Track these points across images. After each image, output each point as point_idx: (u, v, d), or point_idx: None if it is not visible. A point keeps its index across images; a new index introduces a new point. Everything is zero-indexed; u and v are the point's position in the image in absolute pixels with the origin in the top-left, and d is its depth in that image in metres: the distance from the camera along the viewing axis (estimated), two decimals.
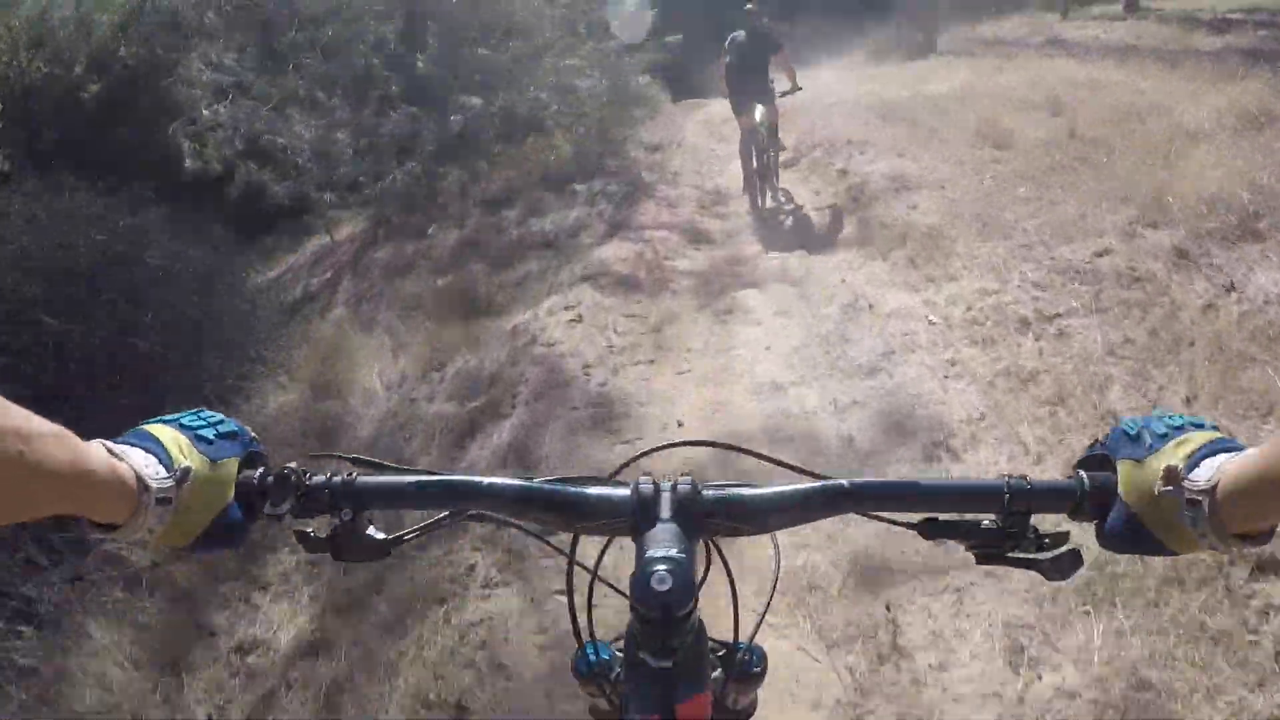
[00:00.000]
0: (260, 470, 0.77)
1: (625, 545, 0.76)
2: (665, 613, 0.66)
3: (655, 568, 0.66)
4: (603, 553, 0.85)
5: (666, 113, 12.86)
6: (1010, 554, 0.75)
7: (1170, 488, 0.65)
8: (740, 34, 7.17)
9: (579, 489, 0.78)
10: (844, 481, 0.78)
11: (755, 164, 7.22)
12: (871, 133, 8.40)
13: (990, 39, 17.01)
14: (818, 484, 0.78)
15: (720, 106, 14.52)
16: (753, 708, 0.96)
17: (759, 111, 7.04)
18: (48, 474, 0.55)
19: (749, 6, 7.23)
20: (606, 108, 9.61)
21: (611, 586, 0.81)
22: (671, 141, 11.18)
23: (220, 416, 0.77)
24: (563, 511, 0.78)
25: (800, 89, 7.41)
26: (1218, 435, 0.68)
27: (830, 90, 11.22)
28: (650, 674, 0.70)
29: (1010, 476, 0.75)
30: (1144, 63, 9.08)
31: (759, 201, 7.39)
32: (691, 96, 14.50)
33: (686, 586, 0.67)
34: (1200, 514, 0.63)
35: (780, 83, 7.39)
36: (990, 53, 13.12)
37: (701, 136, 11.55)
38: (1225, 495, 0.62)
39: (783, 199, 7.54)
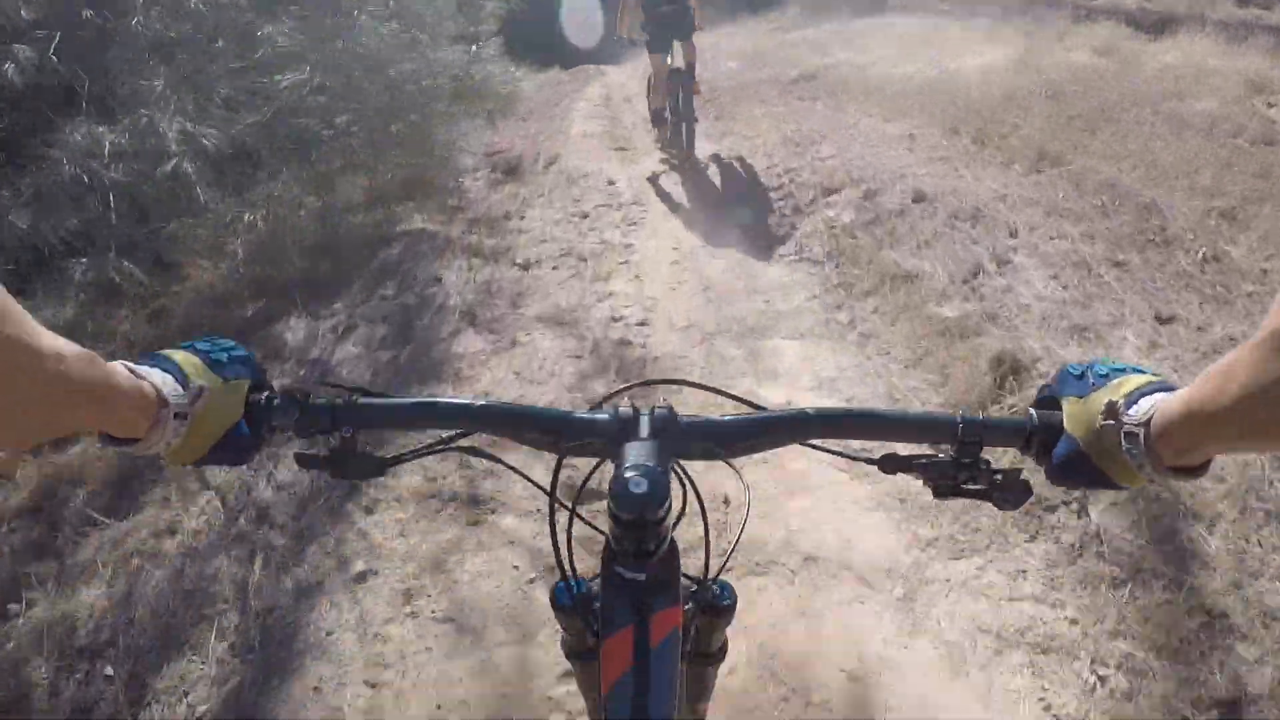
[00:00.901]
0: (267, 393, 0.80)
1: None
2: (640, 514, 0.70)
3: (631, 473, 0.71)
4: (585, 482, 0.85)
5: (529, 99, 9.36)
6: (964, 486, 0.79)
7: (1110, 421, 0.69)
8: None
9: (565, 411, 0.82)
10: (809, 410, 0.82)
11: (669, 112, 6.65)
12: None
13: None
14: (783, 412, 0.82)
15: (619, 76, 10.48)
16: (723, 651, 0.99)
17: (678, 50, 6.47)
18: (82, 391, 0.59)
19: None
20: (402, 115, 5.15)
21: (586, 520, 0.87)
22: (537, 160, 6.88)
23: (232, 343, 0.79)
24: (550, 431, 0.81)
25: (700, 28, 6.57)
26: (1157, 378, 0.71)
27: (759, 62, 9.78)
28: (625, 585, 0.74)
29: (963, 410, 0.79)
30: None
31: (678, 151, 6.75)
32: (573, 62, 11.95)
33: (661, 490, 0.71)
34: (1137, 446, 0.66)
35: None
36: (962, 9, 10.89)
37: (594, 143, 7.60)
38: (1158, 429, 0.65)
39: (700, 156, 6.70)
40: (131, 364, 0.68)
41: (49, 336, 0.56)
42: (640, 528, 0.71)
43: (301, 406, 0.79)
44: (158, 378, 0.70)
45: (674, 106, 6.65)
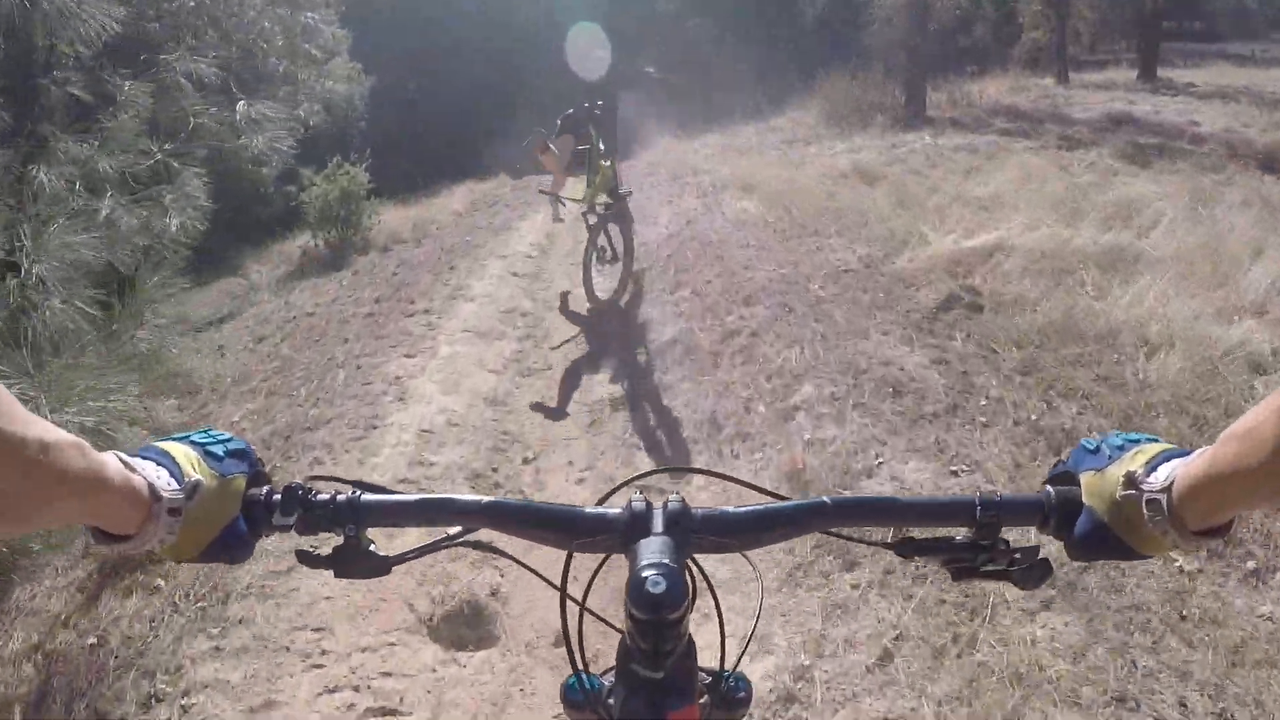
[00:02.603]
0: (266, 488, 0.74)
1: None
2: (659, 614, 0.65)
3: (648, 572, 0.66)
4: (594, 576, 0.82)
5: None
6: (983, 568, 0.75)
7: (1130, 491, 0.66)
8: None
9: (577, 508, 0.76)
10: (825, 499, 0.76)
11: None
12: None
13: (989, 106, 11.70)
14: (799, 502, 0.77)
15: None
16: None
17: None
18: (68, 481, 0.54)
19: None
20: None
21: (600, 617, 0.84)
22: None
23: (229, 435, 0.74)
24: (560, 528, 0.76)
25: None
26: (1171, 446, 0.69)
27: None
28: (642, 683, 0.69)
29: (980, 491, 0.75)
30: None
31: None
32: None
33: (679, 590, 0.66)
34: (1160, 513, 0.64)
35: None
36: (1003, 127, 9.92)
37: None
38: (1181, 494, 0.62)
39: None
40: (124, 455, 0.63)
41: (37, 424, 0.53)
42: (659, 627, 0.65)
43: (303, 504, 0.72)
44: (151, 471, 0.64)
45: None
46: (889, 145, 10.88)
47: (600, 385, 4.28)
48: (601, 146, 5.42)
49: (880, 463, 2.95)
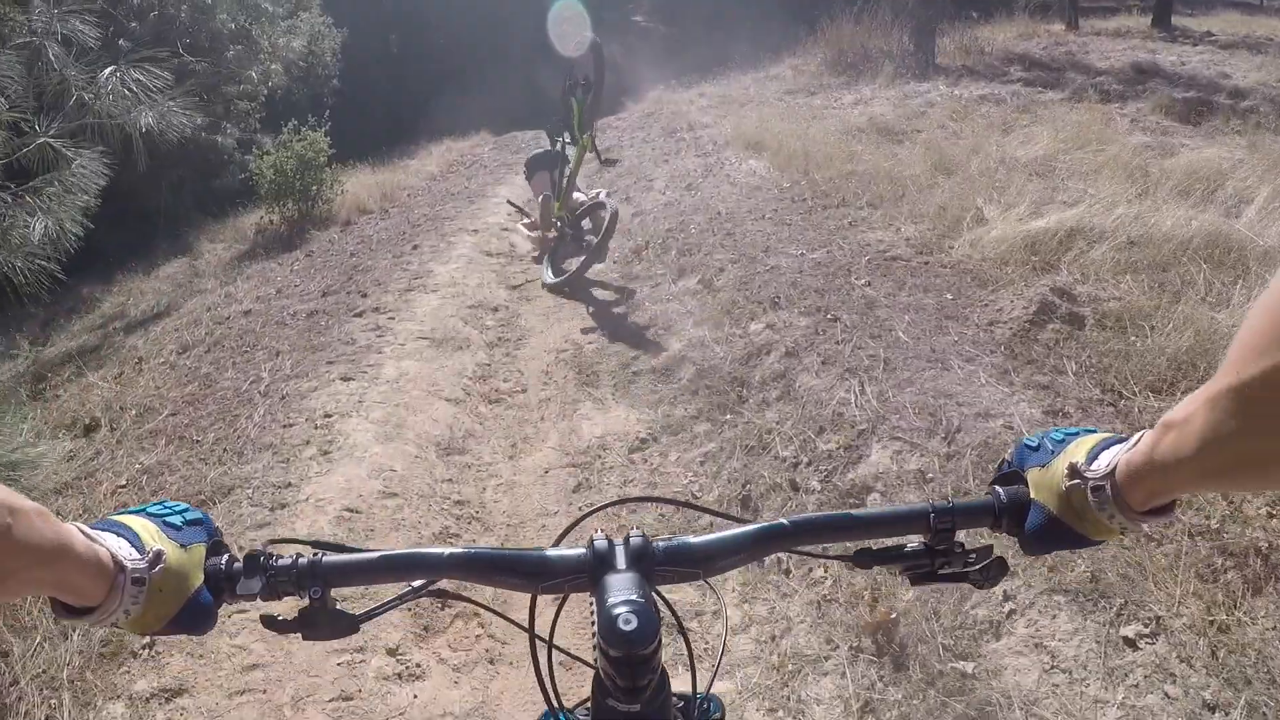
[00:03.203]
0: (226, 556, 0.71)
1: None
2: (633, 651, 0.63)
3: (619, 610, 0.64)
4: (557, 615, 0.82)
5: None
6: (940, 571, 0.75)
7: (1075, 480, 0.67)
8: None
9: (540, 552, 0.74)
10: (784, 521, 0.75)
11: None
12: None
13: (1001, 54, 11.79)
14: (759, 526, 0.76)
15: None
16: None
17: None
18: (31, 548, 0.52)
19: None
20: None
21: (571, 654, 0.85)
22: None
23: (185, 505, 0.72)
24: (525, 573, 0.74)
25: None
26: (1109, 434, 0.69)
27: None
28: (619, 717, 0.68)
29: (933, 501, 0.75)
30: None
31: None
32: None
33: (650, 626, 0.64)
34: (1105, 498, 0.64)
35: None
36: (1021, 76, 8.56)
37: None
38: (1124, 478, 0.63)
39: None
40: (85, 527, 0.60)
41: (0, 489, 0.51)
42: (633, 664, 0.64)
43: (266, 570, 0.69)
44: (112, 542, 0.61)
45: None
46: (902, 96, 9.64)
47: (589, 421, 3.20)
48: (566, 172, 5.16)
49: (1012, 610, 1.88)
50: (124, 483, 3.35)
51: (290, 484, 2.84)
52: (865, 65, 11.37)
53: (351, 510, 2.66)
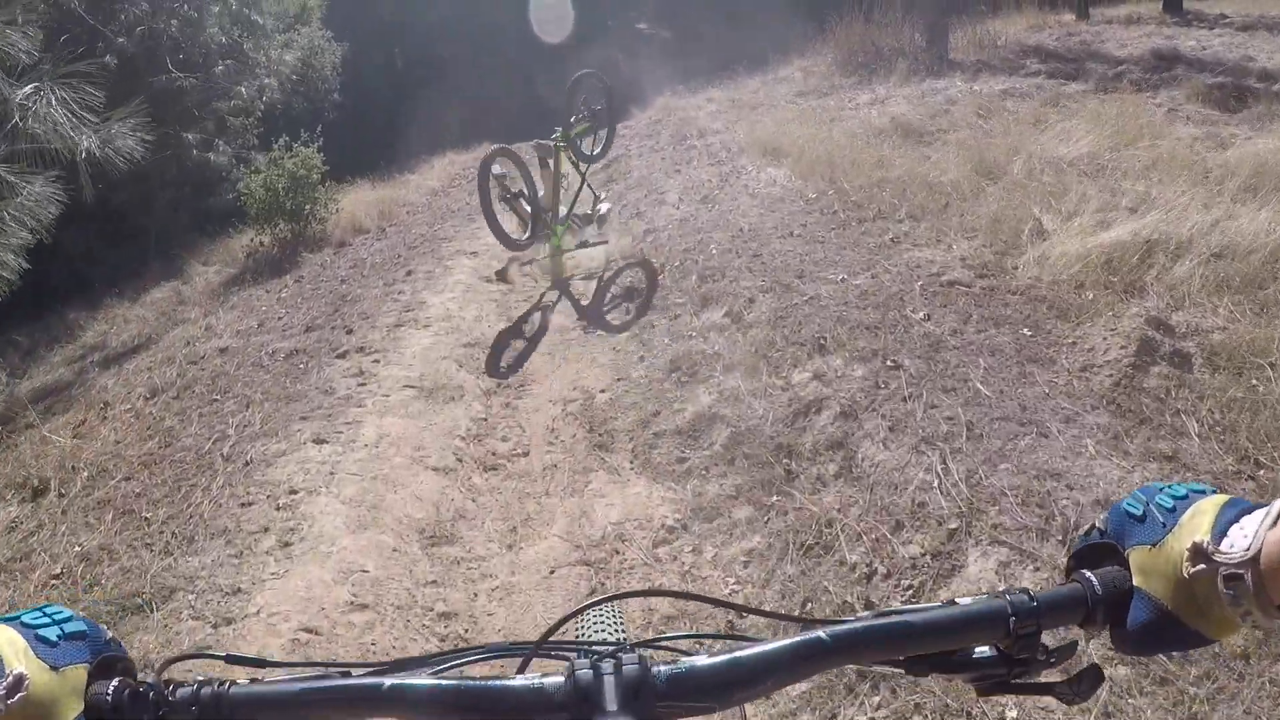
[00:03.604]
0: (115, 682, 0.54)
1: None
2: None
3: None
4: None
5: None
6: (1015, 680, 0.56)
7: (1201, 565, 0.49)
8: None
9: (502, 683, 0.53)
10: (821, 634, 0.54)
11: None
12: None
13: (1014, 47, 10.91)
14: (789, 641, 0.54)
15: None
16: None
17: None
18: None
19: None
20: None
21: None
22: None
23: (69, 613, 0.54)
24: (483, 711, 0.54)
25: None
26: (1228, 497, 0.52)
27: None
28: None
29: (1010, 593, 0.55)
30: None
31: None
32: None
33: None
34: (1244, 589, 0.47)
35: None
36: (1039, 69, 7.59)
37: None
38: (1269, 563, 0.46)
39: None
40: None
41: None
42: None
43: (159, 705, 0.53)
44: None
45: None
46: (919, 94, 9.05)
47: (603, 500, 2.62)
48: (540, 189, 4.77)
49: None
50: (59, 570, 2.80)
51: (240, 589, 2.28)
52: (877, 64, 10.81)
53: (310, 630, 2.09)
